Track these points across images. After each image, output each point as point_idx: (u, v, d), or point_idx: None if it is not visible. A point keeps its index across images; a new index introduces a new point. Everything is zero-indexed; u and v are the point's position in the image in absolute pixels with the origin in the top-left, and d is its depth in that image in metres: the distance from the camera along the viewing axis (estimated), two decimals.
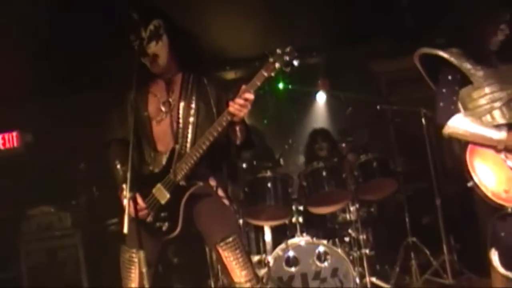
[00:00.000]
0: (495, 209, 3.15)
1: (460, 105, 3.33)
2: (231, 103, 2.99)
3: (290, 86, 7.52)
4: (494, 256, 3.21)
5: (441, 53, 3.35)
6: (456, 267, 5.34)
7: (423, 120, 5.30)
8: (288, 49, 3.02)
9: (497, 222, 3.19)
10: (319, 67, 7.66)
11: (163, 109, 3.26)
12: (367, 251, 5.14)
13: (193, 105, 3.25)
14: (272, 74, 3.01)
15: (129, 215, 2.80)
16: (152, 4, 3.29)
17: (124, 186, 3.09)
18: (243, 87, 3.00)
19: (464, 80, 3.32)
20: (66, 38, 5.56)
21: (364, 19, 6.31)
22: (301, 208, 5.22)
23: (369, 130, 6.18)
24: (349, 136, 6.13)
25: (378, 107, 5.49)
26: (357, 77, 7.27)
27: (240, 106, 2.97)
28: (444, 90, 3.34)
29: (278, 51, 3.01)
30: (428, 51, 3.44)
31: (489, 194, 3.10)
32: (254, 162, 5.47)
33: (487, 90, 3.28)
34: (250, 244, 5.58)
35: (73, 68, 6.19)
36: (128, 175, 2.84)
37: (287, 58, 3.00)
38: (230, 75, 7.41)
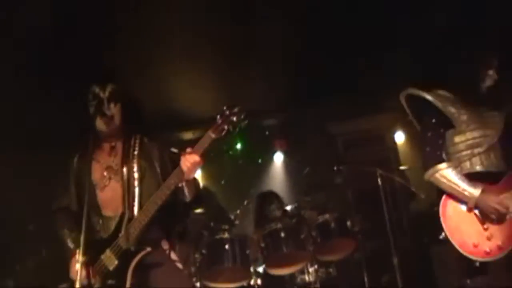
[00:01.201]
0: (465, 262, 3.21)
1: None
2: (183, 159, 2.96)
3: (247, 147, 7.56)
4: None
5: (426, 96, 3.42)
6: None
7: (379, 180, 5.38)
8: (236, 109, 2.97)
9: (464, 273, 3.27)
10: (277, 128, 7.77)
11: (106, 174, 3.22)
12: None
13: (135, 168, 3.21)
14: (220, 136, 2.97)
15: (81, 281, 2.73)
16: (107, 68, 3.31)
17: (77, 251, 3.00)
18: (189, 149, 2.99)
19: (448, 123, 3.39)
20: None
21: (322, 81, 6.45)
22: (259, 269, 5.16)
23: (326, 190, 6.22)
24: (306, 196, 6.15)
25: (335, 168, 5.57)
26: (315, 138, 7.38)
27: (190, 168, 2.95)
28: (429, 134, 3.40)
29: (226, 112, 2.96)
30: (414, 92, 3.50)
31: (458, 247, 3.18)
32: (212, 224, 5.41)
33: (468, 135, 3.36)
34: None
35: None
36: (82, 238, 2.80)
37: (234, 118, 2.95)
38: (188, 135, 7.42)
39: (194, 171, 3.00)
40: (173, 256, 3.26)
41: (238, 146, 7.57)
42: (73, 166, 3.28)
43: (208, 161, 7.63)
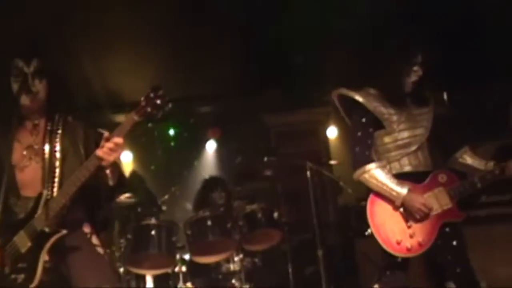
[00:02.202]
0: (385, 256, 3.33)
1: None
2: (99, 147, 2.87)
3: (180, 133, 7.51)
4: None
5: (356, 97, 3.47)
6: None
7: (308, 173, 5.45)
8: (160, 92, 2.87)
9: (387, 265, 3.38)
10: (211, 116, 7.75)
11: (26, 154, 3.11)
12: None
13: (57, 148, 3.11)
14: (143, 118, 2.87)
15: None
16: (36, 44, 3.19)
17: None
18: (113, 132, 2.90)
19: (378, 124, 3.45)
20: None
21: (258, 72, 6.47)
22: (185, 257, 5.14)
23: (256, 181, 6.25)
24: (237, 185, 6.18)
25: (265, 159, 5.60)
26: (248, 128, 7.40)
27: (109, 150, 2.85)
28: (359, 134, 3.45)
29: (151, 94, 2.86)
30: (344, 92, 3.54)
31: (382, 243, 3.29)
32: (139, 209, 5.34)
33: (398, 136, 3.43)
34: None
35: None
36: None
37: (158, 101, 2.85)
38: (121, 117, 7.25)
39: (114, 155, 2.89)
40: (94, 240, 3.17)
41: (171, 132, 7.50)
42: None
43: (139, 146, 7.61)
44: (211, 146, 7.87)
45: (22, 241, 2.94)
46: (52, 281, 2.99)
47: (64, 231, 2.97)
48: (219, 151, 7.82)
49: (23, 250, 2.93)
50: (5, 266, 2.91)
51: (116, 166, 3.05)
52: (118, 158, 2.99)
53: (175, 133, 7.54)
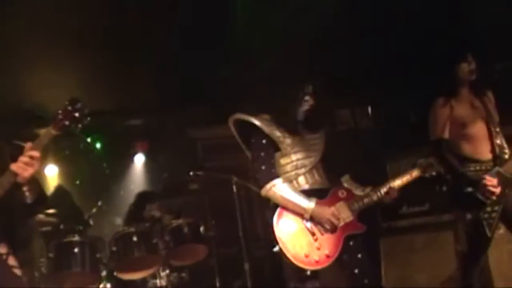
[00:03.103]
0: (298, 270, 3.49)
1: None
2: (14, 163, 2.77)
3: (107, 147, 7.39)
4: None
5: (253, 121, 3.60)
6: None
7: (234, 187, 5.48)
8: (78, 105, 2.82)
9: (298, 279, 3.45)
10: (139, 129, 7.67)
11: None
12: None
13: None
14: (60, 132, 2.82)
15: None
16: None
17: None
18: (29, 144, 2.80)
19: (275, 146, 3.59)
20: None
21: (184, 85, 6.46)
22: (111, 274, 5.05)
23: (182, 195, 6.24)
24: (165, 199, 6.13)
25: (191, 173, 5.60)
26: (175, 142, 7.37)
27: (24, 164, 2.75)
28: (262, 154, 3.57)
29: (68, 107, 2.80)
30: (242, 117, 3.67)
31: (291, 258, 3.35)
32: (61, 226, 5.22)
33: (293, 157, 3.58)
34: None
35: None
36: None
37: (76, 114, 2.80)
38: (42, 131, 7.09)
39: (30, 170, 2.78)
40: (11, 261, 3.04)
41: (98, 145, 7.38)
42: None
43: (64, 159, 7.42)
44: (139, 160, 7.78)
45: None
46: None
47: None
48: (147, 164, 7.74)
49: None
50: None
51: (34, 182, 2.95)
52: (36, 173, 2.87)
53: (102, 146, 7.41)
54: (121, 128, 7.51)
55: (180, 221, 5.23)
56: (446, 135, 3.82)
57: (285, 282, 5.82)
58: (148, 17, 5.26)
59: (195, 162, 7.03)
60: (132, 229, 5.02)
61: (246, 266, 5.46)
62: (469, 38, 4.27)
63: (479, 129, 3.82)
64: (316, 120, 3.70)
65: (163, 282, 5.20)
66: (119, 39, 5.57)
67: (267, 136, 3.59)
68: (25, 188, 2.91)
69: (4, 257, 3.03)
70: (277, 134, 3.59)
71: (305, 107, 3.63)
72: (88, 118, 2.84)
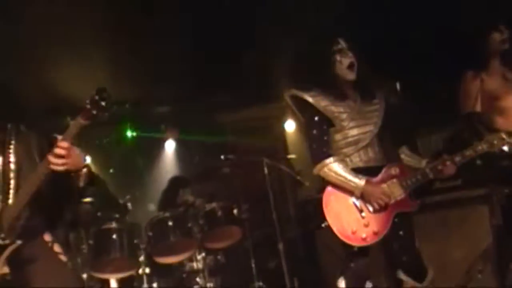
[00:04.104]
0: (345, 246, 3.43)
1: None
2: (48, 156, 2.81)
3: (138, 135, 7.49)
4: (341, 284, 3.49)
5: (306, 97, 3.54)
6: None
7: (265, 169, 5.52)
8: (104, 94, 2.79)
9: (347, 256, 3.48)
10: (168, 117, 7.74)
11: None
12: None
13: (12, 159, 3.07)
14: (89, 121, 2.79)
15: None
16: None
17: None
18: (60, 136, 2.85)
19: (330, 122, 3.53)
20: None
21: (211, 71, 6.49)
22: (148, 258, 5.15)
23: (214, 179, 6.30)
24: (197, 184, 6.21)
25: (222, 157, 5.65)
26: (205, 127, 7.43)
27: (56, 156, 2.78)
28: (314, 132, 3.52)
29: (95, 97, 2.78)
30: (295, 93, 3.61)
31: (338, 234, 3.39)
32: (99, 214, 5.33)
33: (348, 133, 3.52)
34: None
35: None
36: None
37: (103, 103, 2.77)
38: None
39: (63, 160, 2.80)
40: (56, 248, 3.15)
41: (129, 134, 7.47)
42: None
43: (96, 149, 7.55)
44: (170, 146, 7.87)
45: None
46: None
47: (19, 242, 2.94)
48: (178, 150, 7.83)
49: None
50: None
51: (88, 169, 3.02)
52: (77, 161, 2.92)
53: (133, 134, 7.51)
54: (151, 116, 7.60)
55: (214, 204, 5.28)
56: (478, 108, 3.77)
57: (322, 263, 5.95)
58: (173, 4, 5.29)
59: (224, 146, 7.08)
60: (167, 214, 5.09)
61: (280, 246, 5.53)
62: (499, 8, 4.19)
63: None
64: (368, 82, 3.58)
65: (200, 265, 5.28)
66: (145, 28, 5.62)
67: (320, 113, 3.52)
68: (79, 174, 2.97)
69: (50, 244, 3.13)
70: (331, 109, 3.52)
71: (346, 63, 3.50)
72: (115, 107, 2.83)
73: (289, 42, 5.55)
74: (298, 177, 5.86)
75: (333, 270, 5.50)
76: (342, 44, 3.55)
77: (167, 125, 7.75)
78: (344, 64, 3.51)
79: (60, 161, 2.80)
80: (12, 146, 3.10)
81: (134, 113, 7.37)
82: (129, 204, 5.74)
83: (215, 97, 7.14)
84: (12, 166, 3.06)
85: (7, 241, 2.92)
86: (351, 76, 3.53)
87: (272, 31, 5.54)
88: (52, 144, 2.94)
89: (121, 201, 5.85)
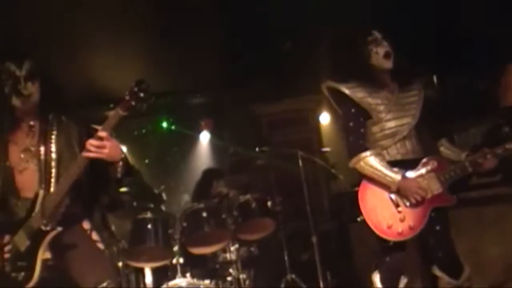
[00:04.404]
0: (380, 240, 3.38)
1: None
2: (87, 143, 2.92)
3: (173, 126, 7.55)
4: (376, 278, 3.45)
5: (343, 89, 3.48)
6: None
7: (300, 162, 5.51)
8: (143, 86, 2.88)
9: (382, 250, 3.44)
10: (203, 108, 7.79)
11: (23, 157, 3.15)
12: None
13: (53, 149, 3.15)
14: (128, 112, 2.89)
15: None
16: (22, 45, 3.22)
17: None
18: (99, 127, 2.95)
19: (367, 113, 3.47)
20: None
21: (246, 62, 6.50)
22: (182, 249, 5.20)
23: (249, 170, 6.31)
24: (231, 176, 6.23)
25: (257, 149, 5.65)
26: (240, 119, 7.45)
27: (95, 146, 2.89)
28: (351, 124, 3.48)
29: (134, 88, 2.87)
30: (331, 85, 3.55)
31: (373, 228, 3.35)
32: (134, 203, 5.40)
33: (385, 125, 3.46)
34: (130, 287, 5.46)
35: None
36: None
37: (141, 95, 2.86)
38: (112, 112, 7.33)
39: (102, 150, 2.91)
40: (95, 236, 3.24)
41: (164, 125, 7.54)
42: None
43: (133, 140, 7.64)
44: (204, 138, 7.92)
45: (21, 240, 3.01)
46: (53, 278, 3.06)
47: (60, 228, 3.02)
48: (213, 142, 7.87)
49: (22, 248, 3.00)
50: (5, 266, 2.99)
51: (124, 159, 3.09)
52: (115, 152, 2.99)
53: (168, 125, 7.58)
54: (186, 107, 7.65)
55: (248, 196, 5.28)
56: None
57: (355, 256, 5.92)
58: None
59: (260, 138, 7.09)
60: (202, 205, 5.11)
61: (314, 239, 5.52)
62: None
63: None
64: (405, 72, 3.52)
65: (233, 256, 5.28)
66: (182, 19, 5.65)
67: (357, 105, 3.47)
68: (117, 165, 3.05)
69: (88, 232, 3.21)
70: (368, 101, 3.46)
71: (382, 52, 3.43)
72: (153, 98, 2.90)
73: (325, 33, 5.52)
74: (333, 170, 5.83)
75: (366, 264, 5.48)
76: (376, 34, 3.49)
77: (203, 116, 7.79)
78: (380, 53, 3.44)
79: (98, 150, 2.89)
80: (53, 136, 3.18)
81: (170, 105, 7.45)
82: (163, 194, 5.80)
83: (251, 89, 7.16)
84: (53, 155, 3.14)
85: (48, 228, 3.00)
86: (387, 65, 3.46)
87: (309, 21, 5.51)
88: (91, 134, 3.03)
89: (156, 191, 5.93)
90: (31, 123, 3.22)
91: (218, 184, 6.00)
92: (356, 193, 3.47)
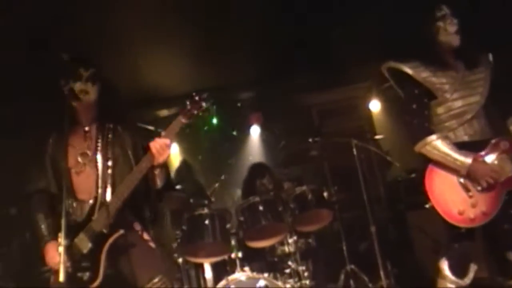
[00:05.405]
0: (449, 227, 3.26)
1: None
2: (153, 142, 3.08)
3: (223, 122, 7.58)
4: (444, 265, 3.34)
5: (406, 69, 3.38)
6: None
7: (354, 150, 5.44)
8: (204, 95, 3.12)
9: (451, 238, 3.32)
10: (252, 102, 7.78)
11: (81, 160, 3.29)
12: (308, 281, 5.16)
13: (109, 155, 3.30)
14: (189, 120, 3.14)
15: (64, 265, 2.80)
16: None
17: (59, 234, 3.04)
18: (163, 133, 3.14)
19: (431, 94, 3.36)
20: None
21: (294, 53, 6.46)
22: (240, 243, 5.22)
23: (302, 162, 6.27)
24: (284, 168, 6.21)
25: (310, 139, 5.60)
26: (289, 110, 7.42)
27: (159, 150, 3.07)
28: (414, 106, 3.36)
29: (195, 97, 3.10)
30: (393, 65, 3.45)
31: (443, 215, 3.23)
32: (191, 200, 5.44)
33: (451, 105, 3.34)
34: (190, 282, 5.52)
35: None
36: (63, 222, 2.90)
37: (203, 104, 3.10)
38: (163, 112, 7.42)
39: (164, 154, 3.10)
40: (146, 236, 3.39)
41: (214, 121, 7.57)
42: (48, 149, 3.34)
43: (184, 137, 7.72)
44: (255, 131, 7.91)
45: (83, 243, 3.14)
46: (113, 275, 3.20)
47: (122, 231, 3.17)
48: (264, 135, 7.86)
49: (84, 251, 3.13)
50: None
51: (165, 167, 3.27)
52: (167, 159, 3.17)
53: (219, 121, 7.61)
54: (235, 102, 7.67)
55: (304, 188, 5.25)
56: None
57: (415, 245, 5.81)
58: None
59: (311, 129, 7.03)
60: (257, 199, 5.10)
61: (373, 228, 5.45)
62: None
63: None
64: (471, 49, 3.40)
65: (291, 248, 5.26)
66: (224, 16, 5.65)
67: (420, 85, 3.36)
68: (156, 172, 3.21)
69: (140, 233, 3.36)
70: (432, 81, 3.35)
71: (451, 29, 3.32)
72: (214, 107, 3.15)
73: (375, 20, 5.44)
74: (388, 157, 5.73)
75: (427, 252, 5.40)
76: (446, 9, 3.37)
77: (252, 110, 7.79)
78: (450, 30, 3.34)
79: (162, 155, 3.09)
80: (109, 143, 3.34)
81: (219, 100, 7.45)
82: (213, 198, 5.81)
83: (299, 80, 7.11)
84: (109, 162, 3.30)
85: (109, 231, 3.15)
86: (456, 42, 3.35)
87: (358, 8, 5.43)
88: (145, 147, 3.19)
89: (207, 191, 5.96)
90: (87, 128, 3.38)
91: (263, 179, 5.97)
92: (413, 180, 3.38)
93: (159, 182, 3.26)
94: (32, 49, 4.99)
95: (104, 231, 3.14)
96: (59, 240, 3.02)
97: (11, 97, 5.52)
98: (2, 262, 5.80)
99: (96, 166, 3.27)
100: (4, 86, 5.32)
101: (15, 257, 6.05)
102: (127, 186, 3.13)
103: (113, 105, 3.44)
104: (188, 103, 3.11)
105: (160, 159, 3.10)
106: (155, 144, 3.08)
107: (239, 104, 7.53)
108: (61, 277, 2.78)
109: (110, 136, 3.36)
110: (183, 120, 3.13)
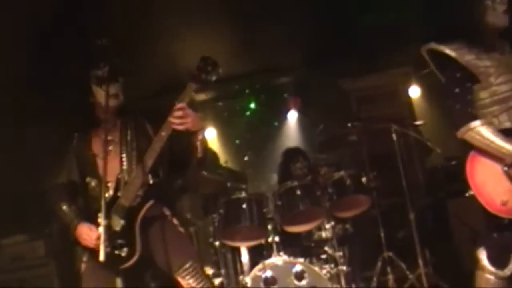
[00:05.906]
0: (489, 217, 3.13)
1: None
2: (170, 118, 3.15)
3: (261, 106, 7.57)
4: (482, 255, 3.23)
5: (447, 51, 3.22)
6: (432, 280, 5.37)
7: (393, 136, 5.36)
8: (209, 61, 3.20)
9: (490, 226, 3.20)
10: (290, 86, 7.75)
11: (105, 146, 3.33)
12: (344, 267, 5.13)
13: (132, 137, 3.44)
14: (199, 85, 3.21)
15: (104, 243, 2.84)
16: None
17: (99, 215, 3.08)
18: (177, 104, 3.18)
19: (473, 78, 3.20)
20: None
21: (332, 38, 6.39)
22: (277, 227, 5.22)
23: (341, 147, 6.21)
24: (322, 153, 6.16)
25: (349, 124, 5.54)
26: (328, 95, 7.36)
27: (177, 117, 3.12)
28: (456, 90, 3.21)
29: (201, 63, 3.20)
30: (435, 47, 3.28)
31: (485, 205, 3.10)
32: (228, 184, 5.46)
33: (496, 90, 3.18)
34: (227, 265, 5.54)
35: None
36: (102, 202, 2.93)
37: (209, 68, 3.18)
38: (201, 96, 7.44)
39: (184, 119, 3.14)
40: (175, 221, 3.46)
41: (252, 105, 7.58)
42: (72, 144, 3.49)
43: (222, 122, 7.76)
44: (292, 116, 7.88)
45: (114, 221, 3.19)
46: (146, 259, 3.27)
47: (152, 201, 3.26)
48: (301, 120, 7.83)
49: (117, 228, 3.18)
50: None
51: (203, 140, 3.36)
52: (196, 122, 3.23)
53: (256, 106, 7.61)
54: (273, 87, 7.65)
55: (342, 173, 5.21)
56: None
57: (454, 233, 5.72)
58: None
59: (349, 114, 6.97)
60: (296, 183, 5.08)
61: (411, 216, 5.37)
62: None
63: None
64: None
65: (328, 234, 5.24)
66: (264, 0, 5.62)
67: (462, 68, 3.19)
68: (198, 141, 3.29)
69: (169, 218, 3.43)
70: (477, 64, 3.17)
71: (500, 8, 3.13)
72: (220, 70, 3.22)
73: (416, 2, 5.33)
74: (429, 144, 5.62)
75: (466, 241, 5.31)
76: None
77: (290, 95, 7.76)
78: (499, 9, 3.15)
79: (182, 120, 3.13)
80: (130, 130, 3.48)
81: (257, 85, 7.46)
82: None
83: (338, 65, 7.04)
84: (133, 143, 3.43)
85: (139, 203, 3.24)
86: (505, 22, 3.17)
87: None
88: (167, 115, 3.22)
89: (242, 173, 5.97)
90: (112, 121, 3.46)
91: (297, 163, 5.94)
92: (454, 167, 3.28)
93: (199, 151, 3.32)
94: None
95: (134, 204, 3.22)
96: (97, 220, 3.11)
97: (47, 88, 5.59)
98: (45, 241, 5.91)
99: (121, 151, 3.40)
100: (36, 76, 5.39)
101: (55, 238, 6.17)
102: (149, 156, 3.22)
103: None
104: (196, 69, 3.20)
105: (180, 125, 3.14)
106: (174, 120, 3.14)
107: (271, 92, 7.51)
108: (101, 256, 2.82)
109: (132, 124, 3.49)
110: (194, 85, 3.20)
